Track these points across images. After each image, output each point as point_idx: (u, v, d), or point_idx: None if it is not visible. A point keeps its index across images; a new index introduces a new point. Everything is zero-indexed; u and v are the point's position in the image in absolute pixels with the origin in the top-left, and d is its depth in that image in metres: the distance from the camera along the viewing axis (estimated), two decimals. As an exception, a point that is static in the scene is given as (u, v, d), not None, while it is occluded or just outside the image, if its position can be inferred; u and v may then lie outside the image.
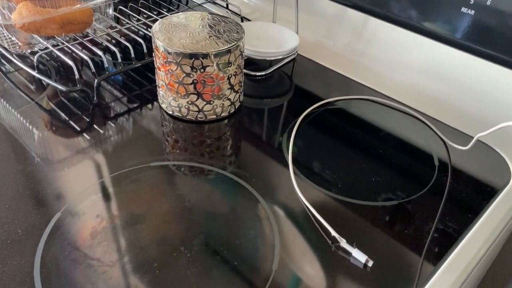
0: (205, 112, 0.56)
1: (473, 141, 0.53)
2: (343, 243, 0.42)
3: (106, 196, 0.46)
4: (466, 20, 0.59)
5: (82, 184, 0.48)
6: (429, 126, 0.59)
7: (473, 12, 0.58)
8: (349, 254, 0.42)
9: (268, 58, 0.68)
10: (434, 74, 0.66)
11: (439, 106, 0.64)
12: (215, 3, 0.86)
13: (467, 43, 0.61)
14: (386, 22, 0.69)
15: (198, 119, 0.57)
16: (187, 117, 0.57)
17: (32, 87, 0.63)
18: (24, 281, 0.38)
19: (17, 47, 0.65)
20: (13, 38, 0.66)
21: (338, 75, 0.70)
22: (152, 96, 0.63)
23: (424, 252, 0.43)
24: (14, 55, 0.65)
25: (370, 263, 0.41)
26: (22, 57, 0.67)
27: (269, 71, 0.70)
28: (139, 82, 0.66)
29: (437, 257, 0.42)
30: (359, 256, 0.41)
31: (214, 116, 0.58)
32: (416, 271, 0.41)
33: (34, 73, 0.62)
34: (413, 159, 0.54)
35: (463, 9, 0.59)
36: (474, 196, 0.49)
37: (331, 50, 0.77)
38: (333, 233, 0.43)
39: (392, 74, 0.70)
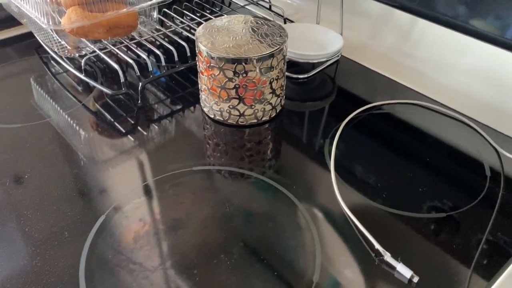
0: (246, 116, 0.56)
1: (530, 151, 0.50)
2: (387, 256, 0.41)
3: (149, 199, 0.47)
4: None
5: (126, 186, 0.49)
6: (480, 134, 0.56)
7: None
8: (393, 268, 0.40)
9: (311, 61, 0.67)
10: (485, 78, 0.63)
11: (491, 112, 0.61)
12: (258, 5, 0.86)
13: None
14: (435, 24, 0.66)
15: (239, 123, 0.57)
16: (228, 121, 0.57)
17: (80, 88, 0.65)
18: (69, 282, 0.39)
19: (66, 51, 0.67)
20: (62, 42, 0.68)
21: (384, 78, 0.68)
22: (194, 98, 0.63)
23: (472, 268, 0.40)
24: (63, 58, 0.67)
25: (416, 279, 0.39)
26: (70, 60, 0.69)
27: (311, 74, 0.68)
28: (182, 84, 0.66)
29: (488, 274, 0.40)
30: (404, 271, 0.39)
31: (255, 120, 0.57)
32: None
33: (81, 76, 0.64)
34: (463, 168, 0.51)
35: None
36: (529, 210, 0.47)
37: (377, 52, 0.75)
38: (377, 245, 0.42)
39: (441, 78, 0.67)
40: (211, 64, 0.52)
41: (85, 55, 0.66)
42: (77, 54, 0.68)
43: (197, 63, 0.56)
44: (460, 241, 0.43)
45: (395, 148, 0.54)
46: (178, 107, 0.62)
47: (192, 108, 0.61)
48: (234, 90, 0.53)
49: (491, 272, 0.40)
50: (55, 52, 0.67)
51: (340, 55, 0.72)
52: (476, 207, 0.47)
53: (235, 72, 0.52)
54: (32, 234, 0.43)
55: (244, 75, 0.52)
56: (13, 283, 0.39)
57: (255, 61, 0.51)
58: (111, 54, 0.70)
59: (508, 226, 0.44)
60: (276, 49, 0.52)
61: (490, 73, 0.62)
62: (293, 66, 0.70)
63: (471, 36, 0.62)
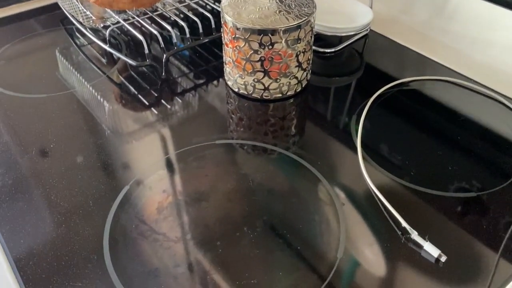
0: (271, 91, 0.55)
1: None
2: (415, 235, 0.40)
3: (172, 171, 0.47)
4: None
5: (149, 158, 0.48)
6: (515, 112, 0.54)
7: None
8: (421, 247, 0.39)
9: (339, 34, 0.65)
10: (524, 54, 0.60)
11: (528, 90, 0.58)
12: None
13: None
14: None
15: (264, 97, 0.56)
16: (253, 95, 0.56)
17: (104, 60, 0.65)
18: (94, 250, 0.39)
19: (91, 21, 0.67)
20: (87, 12, 0.68)
21: (414, 53, 0.65)
22: (218, 72, 0.62)
23: (500, 252, 0.39)
24: (87, 29, 0.67)
25: (443, 258, 0.38)
26: (95, 31, 0.69)
27: (339, 48, 0.66)
28: (206, 58, 0.66)
29: (518, 257, 0.39)
30: (432, 250, 0.38)
31: (280, 95, 0.56)
32: (490, 271, 0.38)
33: (106, 47, 0.63)
34: (495, 148, 0.49)
35: None
36: None
37: (408, 26, 0.72)
38: (404, 223, 0.40)
39: (474, 54, 0.64)
40: (236, 36, 0.51)
41: (109, 26, 0.66)
42: (101, 25, 0.67)
43: (222, 35, 0.55)
44: (489, 223, 0.41)
45: (424, 126, 0.53)
46: (202, 80, 0.61)
47: (215, 82, 0.61)
48: (260, 62, 0.52)
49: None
50: (80, 23, 0.67)
51: (369, 29, 0.69)
52: (508, 188, 0.45)
53: (260, 44, 0.50)
54: (58, 202, 0.44)
55: (270, 47, 0.50)
56: (39, 250, 0.39)
57: (281, 32, 0.50)
58: (135, 26, 0.69)
59: (542, 208, 0.43)
60: (303, 21, 0.50)
61: (528, 49, 0.59)
62: (320, 40, 0.68)
63: (508, 8, 0.59)
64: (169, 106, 0.56)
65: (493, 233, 0.41)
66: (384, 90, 0.58)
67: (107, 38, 0.64)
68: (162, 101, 0.57)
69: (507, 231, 0.41)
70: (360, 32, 0.67)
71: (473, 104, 0.56)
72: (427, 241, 0.39)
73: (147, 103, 0.57)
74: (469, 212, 0.43)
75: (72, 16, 0.68)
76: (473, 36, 0.64)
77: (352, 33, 0.65)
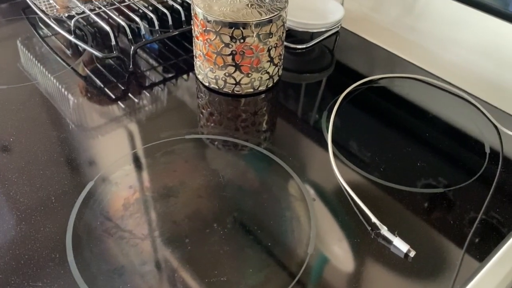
0: (242, 85, 0.54)
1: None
2: (384, 230, 0.40)
3: (139, 167, 0.45)
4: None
5: (115, 153, 0.47)
6: (481, 111, 0.55)
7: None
8: (390, 242, 0.39)
9: (310, 30, 0.64)
10: (488, 53, 0.61)
11: (492, 89, 0.60)
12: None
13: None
14: (440, -4, 0.64)
15: (235, 92, 0.55)
16: (224, 89, 0.55)
17: (69, 52, 0.62)
18: (56, 248, 0.38)
19: (55, 10, 0.64)
20: (51, 1, 0.65)
21: (384, 51, 0.66)
22: (188, 66, 0.61)
23: (466, 246, 0.40)
24: (51, 19, 0.64)
25: (412, 254, 0.38)
26: (59, 22, 0.66)
27: (310, 44, 0.66)
28: (175, 52, 0.64)
29: (483, 253, 0.39)
30: (401, 245, 0.39)
31: (251, 90, 0.55)
32: (456, 266, 0.38)
33: (71, 37, 0.61)
34: (462, 145, 0.50)
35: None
36: (528, 188, 0.46)
37: (378, 24, 0.72)
38: (374, 219, 0.41)
39: (442, 52, 0.66)
40: (207, 28, 0.50)
41: (74, 16, 0.63)
42: (66, 14, 0.65)
43: (192, 27, 0.54)
44: (455, 218, 0.42)
45: (393, 122, 0.53)
46: (171, 74, 0.60)
47: (185, 76, 0.59)
48: (231, 56, 0.51)
49: (484, 253, 0.39)
50: (43, 12, 0.64)
51: (340, 26, 0.70)
52: (475, 183, 0.46)
53: (232, 37, 0.49)
54: (17, 198, 0.42)
55: (242, 40, 0.50)
56: (-3, 248, 0.37)
57: (253, 26, 0.49)
58: (101, 18, 0.67)
59: (504, 205, 0.44)
60: (275, 15, 0.50)
61: (492, 49, 0.61)
62: (291, 36, 0.68)
63: (475, 7, 0.60)
64: (136, 100, 0.54)
65: (459, 228, 0.41)
66: (354, 87, 0.58)
67: (73, 29, 0.62)
68: (130, 94, 0.55)
69: (472, 226, 0.42)
70: (331, 29, 0.67)
71: (441, 102, 0.57)
72: (396, 236, 0.39)
73: (113, 96, 0.55)
74: (437, 207, 0.43)
75: (35, 4, 0.65)
76: (441, 35, 0.66)
77: (323, 29, 0.65)
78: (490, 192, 0.45)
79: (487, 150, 0.50)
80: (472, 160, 0.49)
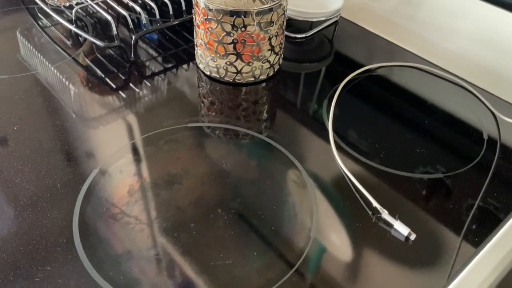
0: (243, 74, 0.55)
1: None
2: (385, 214, 0.41)
3: (143, 154, 0.46)
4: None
5: (119, 141, 0.47)
6: (479, 98, 0.56)
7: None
8: (391, 226, 0.40)
9: (310, 19, 0.65)
10: (487, 42, 0.62)
11: (490, 77, 0.60)
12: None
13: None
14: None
15: (236, 81, 0.55)
16: (225, 78, 0.55)
17: (69, 42, 0.63)
18: (62, 234, 0.38)
19: (55, 0, 0.64)
20: (51, -9, 0.65)
21: (383, 40, 0.66)
22: (188, 56, 0.61)
23: (465, 230, 0.41)
24: (51, 9, 0.64)
25: (413, 237, 0.39)
26: (59, 12, 0.66)
27: (309, 34, 0.67)
28: (175, 42, 0.64)
29: (480, 237, 0.40)
30: (402, 228, 0.39)
31: (252, 79, 0.56)
32: (454, 250, 0.39)
33: (72, 27, 0.61)
34: (460, 132, 0.51)
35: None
36: (525, 173, 0.47)
37: (377, 13, 0.73)
38: (375, 203, 0.41)
39: (440, 41, 0.66)
40: (209, 17, 0.50)
41: (73, 6, 0.63)
42: (67, 4, 0.65)
43: (193, 16, 0.54)
44: (454, 203, 0.43)
45: (393, 110, 0.54)
46: (172, 64, 0.60)
47: (186, 65, 0.60)
48: (232, 45, 0.52)
49: (481, 237, 0.40)
50: (43, 1, 0.64)
51: (339, 16, 0.70)
52: (473, 169, 0.47)
53: (233, 26, 0.50)
54: (24, 185, 0.42)
55: (243, 29, 0.50)
56: (4, 235, 0.38)
57: (254, 14, 0.49)
58: (101, 8, 0.67)
59: (501, 190, 0.45)
60: (276, 3, 0.50)
61: (490, 37, 0.62)
62: (291, 25, 0.68)
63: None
64: (138, 90, 0.55)
65: (457, 213, 0.42)
66: (354, 76, 0.59)
67: (73, 19, 0.62)
68: (131, 84, 0.56)
69: (469, 212, 0.42)
70: (331, 18, 0.68)
71: (439, 90, 0.57)
72: (397, 220, 0.40)
73: (114, 86, 0.55)
74: (436, 193, 0.44)
75: (34, -6, 0.65)
76: (440, 24, 0.66)
77: (323, 18, 0.65)
78: (488, 178, 0.46)
79: (485, 137, 0.51)
80: (470, 147, 0.49)
